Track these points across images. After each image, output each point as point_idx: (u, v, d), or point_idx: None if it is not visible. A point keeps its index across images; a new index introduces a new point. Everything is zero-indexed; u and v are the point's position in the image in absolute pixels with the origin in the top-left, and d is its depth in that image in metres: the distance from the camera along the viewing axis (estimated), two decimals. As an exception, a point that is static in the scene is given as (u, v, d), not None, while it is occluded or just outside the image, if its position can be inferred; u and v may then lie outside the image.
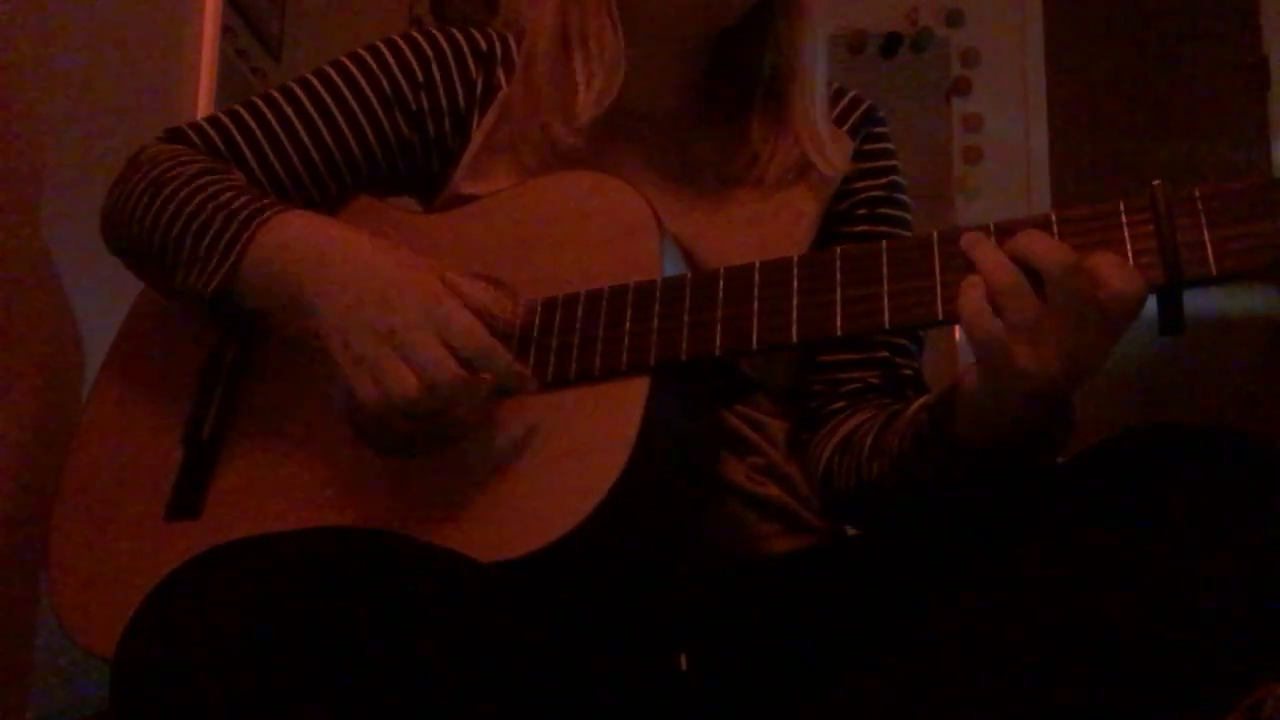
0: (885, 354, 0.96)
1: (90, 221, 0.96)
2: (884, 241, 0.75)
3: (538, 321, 0.82)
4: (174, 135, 0.97)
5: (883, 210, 1.00)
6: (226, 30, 1.67)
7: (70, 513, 0.92)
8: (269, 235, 0.83)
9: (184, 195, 0.86)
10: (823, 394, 0.97)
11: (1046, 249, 0.67)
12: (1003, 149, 3.50)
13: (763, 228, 0.94)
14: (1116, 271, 0.66)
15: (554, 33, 0.94)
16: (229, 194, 0.86)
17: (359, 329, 0.77)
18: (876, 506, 0.90)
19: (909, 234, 1.00)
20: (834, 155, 0.94)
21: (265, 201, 0.85)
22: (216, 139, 0.95)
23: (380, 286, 0.78)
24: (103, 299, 1.04)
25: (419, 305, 0.77)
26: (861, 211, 0.99)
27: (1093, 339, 0.68)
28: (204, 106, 1.56)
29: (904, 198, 1.01)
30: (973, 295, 0.69)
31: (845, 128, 0.99)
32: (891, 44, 3.55)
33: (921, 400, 0.85)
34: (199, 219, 0.85)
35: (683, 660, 0.85)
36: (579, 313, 0.81)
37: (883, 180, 1.00)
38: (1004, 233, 0.71)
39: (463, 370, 0.75)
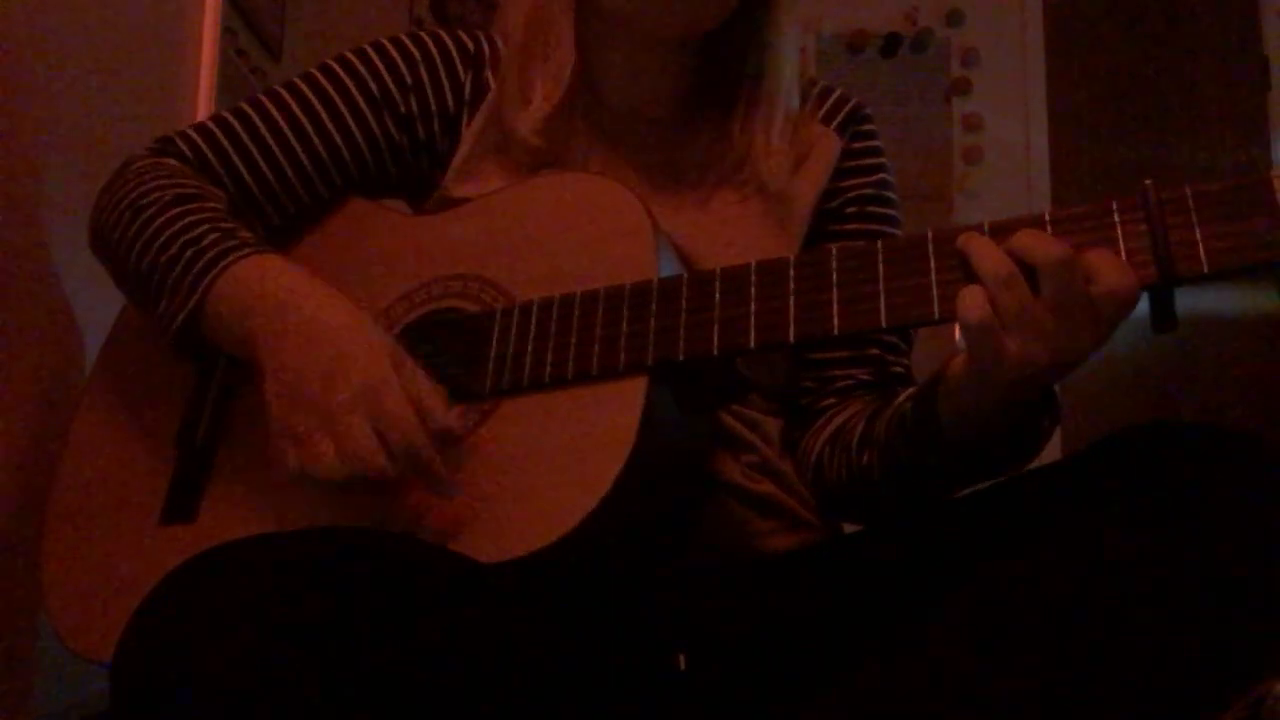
0: (876, 351, 0.97)
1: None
2: (879, 241, 0.76)
3: (534, 323, 0.82)
4: (163, 145, 0.97)
5: (871, 209, 1.00)
6: (226, 30, 1.66)
7: (63, 518, 0.91)
8: (231, 279, 0.83)
9: (157, 225, 0.87)
10: (813, 390, 0.97)
11: (1041, 244, 0.68)
12: (1003, 149, 3.49)
13: (752, 227, 0.94)
14: (1111, 267, 0.67)
15: (525, 34, 0.95)
16: (202, 228, 0.86)
17: (295, 394, 0.77)
18: (867, 498, 0.90)
19: (898, 232, 1.00)
20: (780, 168, 0.94)
21: (233, 242, 0.85)
22: (205, 148, 0.96)
23: (329, 352, 0.78)
24: (103, 299, 1.04)
25: (360, 384, 0.76)
26: (851, 210, 0.99)
27: (1083, 333, 0.68)
28: (204, 106, 1.56)
29: (893, 195, 1.02)
30: (971, 287, 0.70)
31: (833, 126, 0.99)
32: (891, 44, 3.55)
33: (909, 391, 0.86)
34: (170, 251, 0.85)
35: (682, 660, 0.85)
36: (575, 313, 0.81)
37: (872, 179, 1.00)
38: (999, 231, 0.71)
39: (385, 462, 0.75)
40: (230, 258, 0.83)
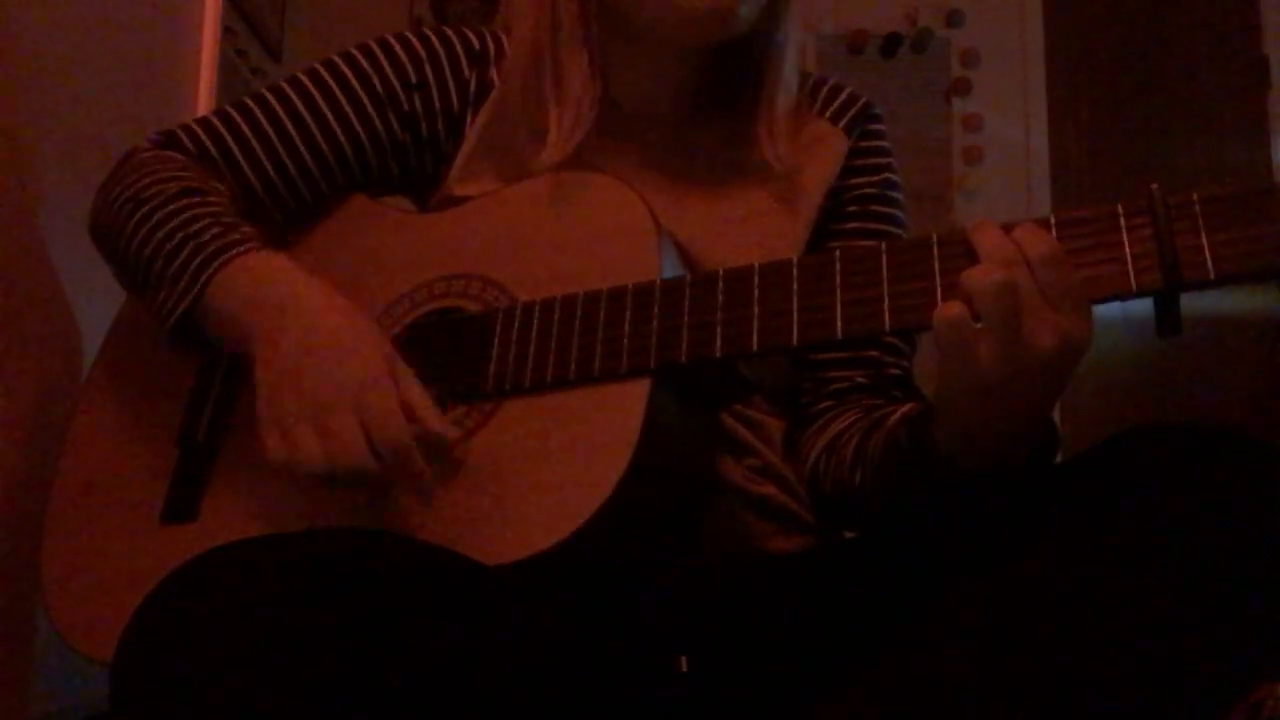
0: (874, 354, 0.96)
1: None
2: (883, 243, 0.75)
3: (535, 323, 0.82)
4: (166, 138, 0.97)
5: (875, 208, 0.99)
6: (226, 30, 1.66)
7: (64, 518, 0.91)
8: (232, 273, 0.83)
9: (159, 218, 0.87)
10: (811, 392, 0.97)
11: (975, 277, 0.68)
12: (1003, 149, 3.49)
13: (758, 227, 0.94)
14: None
15: (530, 58, 0.93)
16: (203, 221, 0.86)
17: (289, 392, 0.77)
18: (860, 513, 0.90)
19: (902, 232, 1.00)
20: (785, 150, 0.94)
21: (235, 237, 0.85)
22: (207, 141, 0.95)
23: (325, 347, 0.78)
24: (103, 299, 1.04)
25: (352, 381, 0.76)
26: (854, 209, 0.99)
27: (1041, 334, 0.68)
28: (204, 106, 1.56)
29: (898, 196, 1.01)
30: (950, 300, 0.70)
31: (841, 124, 0.99)
32: (891, 44, 3.55)
33: (903, 411, 0.85)
34: (171, 243, 0.85)
35: (683, 661, 0.85)
36: (578, 314, 0.81)
37: (877, 178, 1.00)
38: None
39: (368, 460, 0.75)
40: (231, 252, 0.83)
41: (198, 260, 0.83)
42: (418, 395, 0.78)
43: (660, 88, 0.98)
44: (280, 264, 0.85)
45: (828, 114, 1.00)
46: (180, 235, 0.85)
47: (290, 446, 0.76)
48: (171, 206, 0.87)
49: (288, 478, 0.78)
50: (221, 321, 0.83)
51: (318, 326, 0.80)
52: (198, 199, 0.88)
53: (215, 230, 0.85)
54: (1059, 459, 0.79)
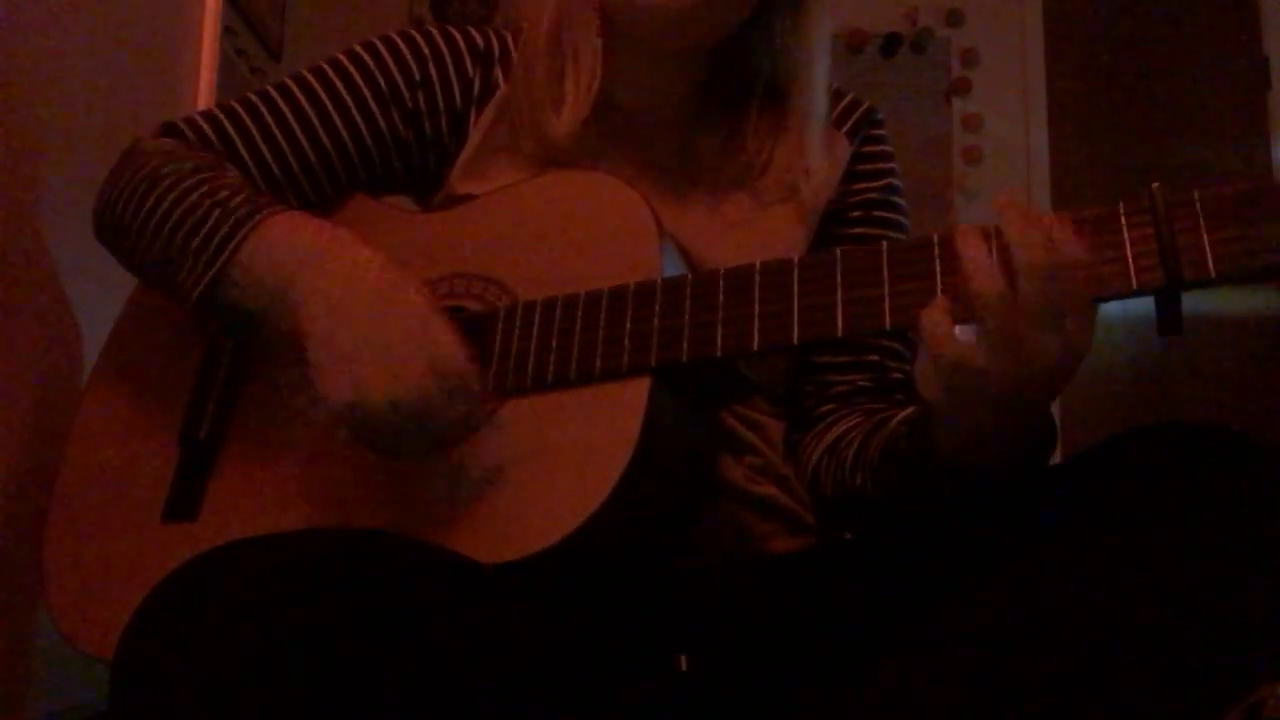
0: (875, 357, 0.96)
1: (90, 221, 0.96)
2: (884, 243, 0.75)
3: (537, 322, 0.82)
4: (168, 130, 0.96)
5: (878, 213, 0.99)
6: (226, 30, 1.66)
7: (65, 516, 0.91)
8: (263, 234, 0.82)
9: (179, 192, 0.86)
10: (812, 394, 0.97)
11: (1023, 247, 0.67)
12: (1003, 149, 3.50)
13: (759, 230, 0.94)
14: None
15: (549, 38, 0.94)
16: (225, 191, 0.85)
17: (345, 328, 0.77)
18: (860, 513, 0.90)
19: (904, 238, 1.00)
20: (820, 177, 0.94)
21: (261, 200, 0.85)
22: (211, 134, 0.95)
23: (373, 292, 0.78)
24: (102, 298, 1.04)
25: (407, 318, 0.76)
26: (857, 214, 0.99)
27: (1038, 340, 0.67)
28: (204, 106, 1.56)
29: (900, 201, 1.01)
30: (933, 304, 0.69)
31: (844, 129, 0.99)
32: (891, 44, 3.55)
33: (903, 414, 0.85)
34: (194, 216, 0.84)
35: (683, 660, 0.85)
36: (579, 313, 0.81)
37: (879, 183, 1.00)
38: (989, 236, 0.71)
39: (435, 391, 0.75)
40: (262, 213, 0.83)
41: (228, 224, 0.83)
42: (459, 337, 0.78)
43: (661, 90, 0.98)
44: (311, 220, 0.84)
45: (830, 119, 1.00)
46: (208, 204, 0.84)
47: (356, 384, 0.75)
48: (190, 181, 0.86)
49: (347, 420, 0.76)
50: (255, 283, 0.82)
51: (361, 274, 0.79)
52: (214, 173, 0.88)
53: (240, 197, 0.85)
54: (1059, 458, 0.79)
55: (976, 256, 0.68)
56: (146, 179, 0.88)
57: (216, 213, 0.84)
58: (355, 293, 0.78)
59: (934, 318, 0.69)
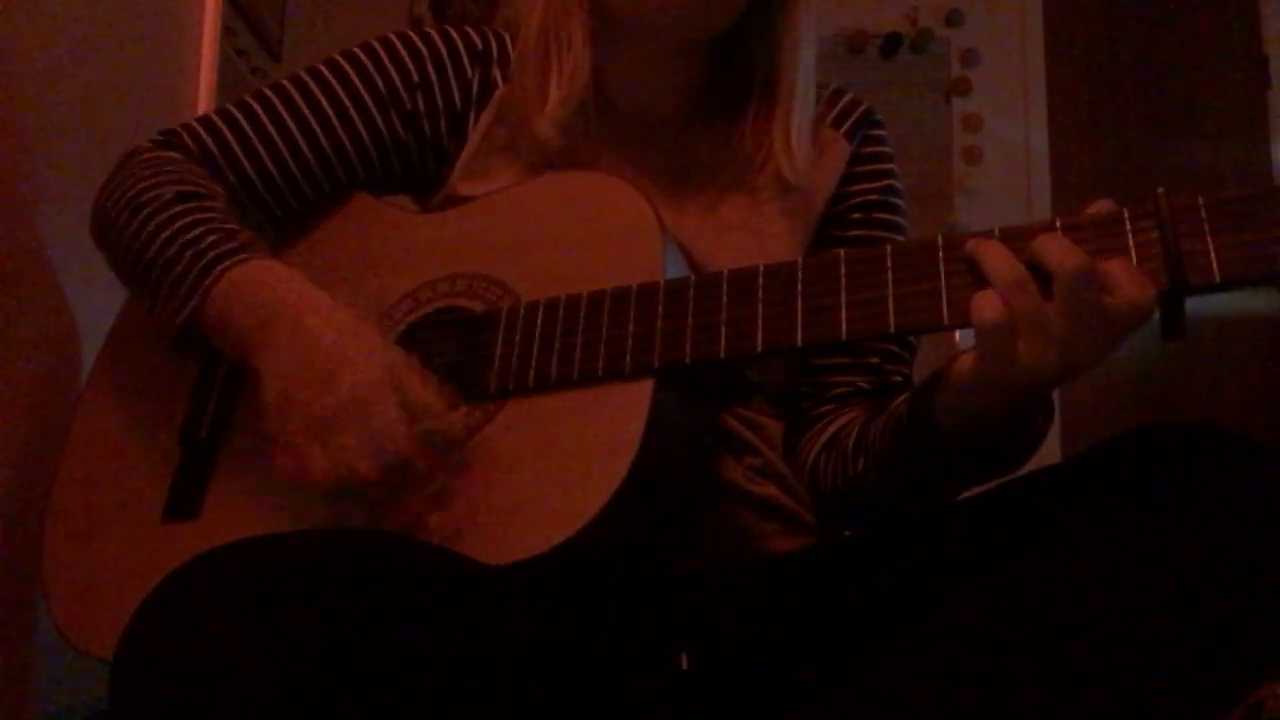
0: (875, 360, 0.97)
1: (89, 222, 0.96)
2: (888, 245, 0.75)
3: (539, 323, 0.82)
4: (168, 137, 0.97)
5: (877, 215, 0.99)
6: (226, 30, 1.66)
7: (66, 516, 0.91)
8: (228, 285, 0.83)
9: (158, 222, 0.86)
10: (811, 396, 0.97)
11: (1059, 251, 0.68)
12: (1003, 149, 3.49)
13: (758, 231, 0.94)
14: (1128, 278, 0.67)
15: (539, 38, 0.94)
16: (200, 229, 0.85)
17: (292, 410, 0.77)
18: (862, 505, 0.90)
19: (903, 239, 1.00)
20: (806, 168, 0.94)
21: (233, 245, 0.85)
22: (209, 140, 0.95)
23: (320, 366, 0.78)
24: (102, 299, 1.04)
25: (351, 393, 0.76)
26: (856, 215, 0.99)
27: (1094, 340, 0.68)
28: (204, 106, 1.56)
29: (899, 202, 1.01)
30: (986, 290, 0.69)
31: (842, 130, 0.99)
32: (891, 44, 3.55)
33: (904, 396, 0.86)
34: (168, 252, 0.85)
35: (683, 660, 0.85)
36: (581, 314, 0.81)
37: (879, 184, 1.00)
38: (1009, 237, 0.71)
39: (374, 472, 0.75)
40: (226, 262, 0.83)
41: (196, 269, 0.83)
42: (420, 396, 0.78)
43: (658, 90, 0.98)
44: (278, 273, 0.84)
45: (829, 120, 1.00)
46: (180, 242, 0.85)
47: (299, 463, 0.77)
48: (167, 213, 0.87)
49: (300, 490, 0.78)
50: (222, 332, 0.83)
51: (317, 340, 0.79)
52: (194, 204, 0.88)
53: (212, 238, 0.85)
54: (1059, 458, 0.79)
55: (989, 249, 0.70)
56: (130, 203, 0.89)
57: (189, 253, 0.84)
58: (307, 361, 0.78)
59: (987, 293, 0.69)
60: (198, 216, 0.87)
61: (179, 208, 0.87)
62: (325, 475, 0.76)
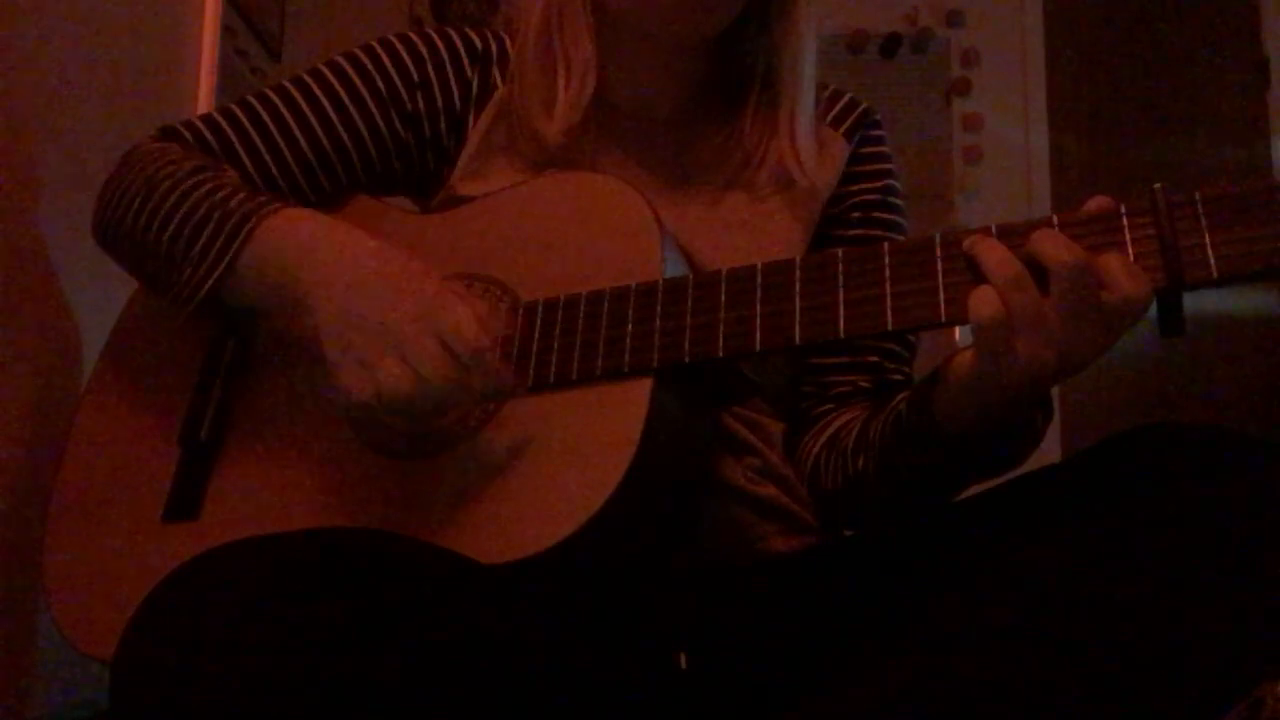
0: (875, 359, 0.97)
1: (90, 222, 0.96)
2: (885, 243, 0.75)
3: (539, 323, 0.83)
4: (167, 134, 0.97)
5: (877, 214, 1.00)
6: (226, 30, 1.66)
7: (66, 516, 0.91)
8: (266, 232, 0.83)
9: (179, 193, 0.86)
10: (812, 395, 0.97)
11: (1056, 246, 0.68)
12: (1003, 149, 3.49)
13: (758, 230, 0.94)
14: (1124, 273, 0.67)
15: (540, 39, 0.94)
16: (224, 191, 0.85)
17: (355, 322, 0.77)
18: (862, 504, 0.90)
19: (903, 238, 1.00)
20: (812, 164, 0.94)
21: (261, 199, 0.85)
22: (210, 137, 0.96)
23: (378, 281, 0.78)
24: (102, 298, 1.04)
25: (417, 301, 0.76)
26: (856, 215, 0.99)
27: (1092, 337, 0.68)
28: (204, 106, 1.56)
29: (899, 202, 1.02)
30: (984, 287, 0.69)
31: (841, 130, 0.99)
32: (891, 44, 3.55)
33: (904, 394, 0.86)
34: (195, 216, 0.85)
35: (683, 660, 0.85)
36: (580, 314, 0.81)
37: (878, 184, 1.00)
38: (1006, 234, 0.71)
39: (455, 371, 0.75)
40: (263, 211, 0.83)
41: (232, 222, 0.83)
42: (478, 303, 0.78)
43: (658, 89, 0.98)
44: (312, 214, 0.84)
45: (828, 119, 1.00)
46: (207, 204, 0.85)
47: (375, 379, 0.75)
48: (188, 183, 0.87)
49: (366, 417, 0.77)
50: (257, 278, 0.82)
51: (365, 264, 0.79)
52: (212, 174, 0.88)
53: (241, 195, 0.85)
54: (1059, 459, 0.79)
55: (987, 247, 0.70)
56: (145, 182, 0.88)
57: (217, 214, 0.84)
58: (361, 283, 0.78)
59: (985, 290, 0.69)
60: (219, 182, 0.87)
61: (197, 177, 0.87)
62: (405, 386, 0.74)
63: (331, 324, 0.78)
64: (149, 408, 0.93)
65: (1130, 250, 0.68)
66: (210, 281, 0.83)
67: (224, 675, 0.57)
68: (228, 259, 0.83)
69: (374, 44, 0.99)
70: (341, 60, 0.98)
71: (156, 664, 0.59)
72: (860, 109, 1.01)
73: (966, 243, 0.71)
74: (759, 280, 0.77)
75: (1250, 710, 1.03)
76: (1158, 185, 0.68)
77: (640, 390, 0.77)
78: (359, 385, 0.76)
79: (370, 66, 0.97)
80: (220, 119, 0.97)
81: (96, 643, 0.84)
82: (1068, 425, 2.75)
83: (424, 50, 0.98)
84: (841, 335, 0.74)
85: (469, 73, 0.99)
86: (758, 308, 0.77)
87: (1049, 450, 0.81)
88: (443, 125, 0.98)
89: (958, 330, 0.72)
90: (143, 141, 0.96)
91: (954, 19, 3.57)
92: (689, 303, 0.78)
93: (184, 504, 0.87)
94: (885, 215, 1.00)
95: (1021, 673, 0.63)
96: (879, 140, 1.02)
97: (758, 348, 0.76)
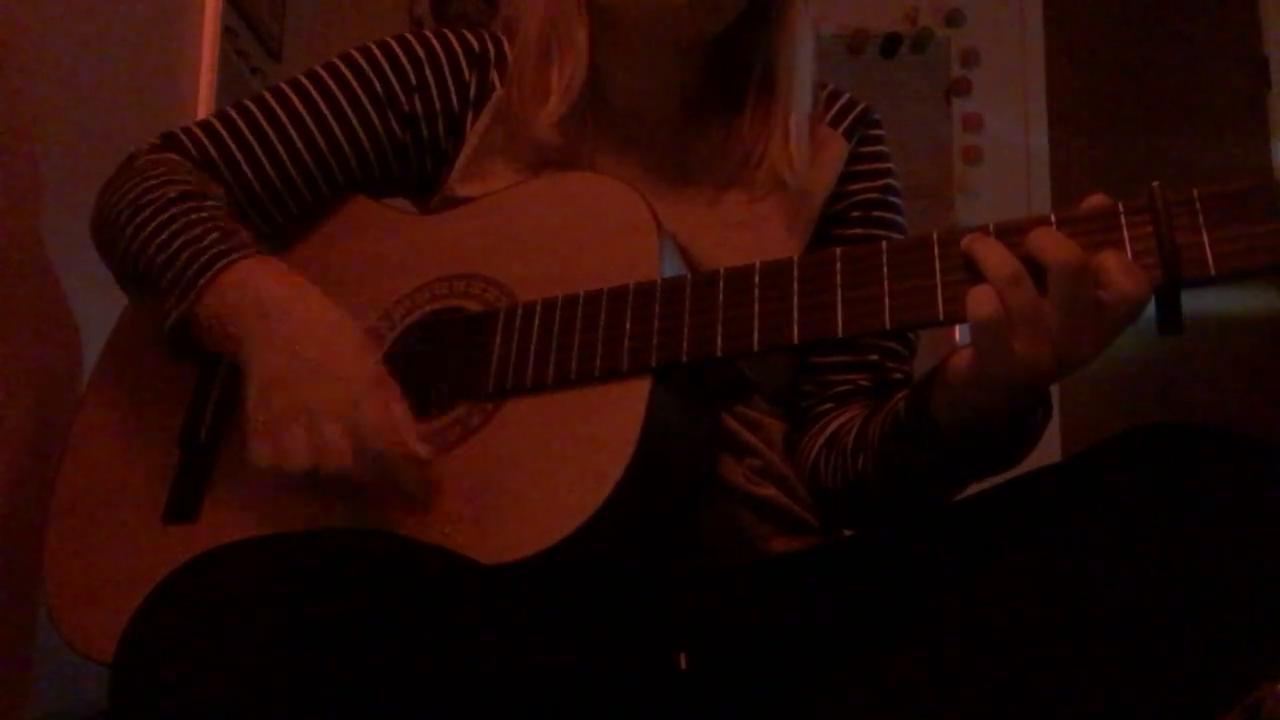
0: (875, 357, 0.97)
1: (90, 223, 0.96)
2: (883, 242, 0.75)
3: (537, 323, 0.83)
4: (168, 140, 0.97)
5: (876, 213, 1.00)
6: (226, 30, 1.66)
7: (66, 519, 0.91)
8: (225, 283, 0.83)
9: (155, 226, 0.87)
10: (812, 394, 0.97)
11: (1053, 244, 0.68)
12: (1003, 149, 3.49)
13: (757, 229, 0.94)
14: (1121, 271, 0.67)
15: (539, 38, 0.94)
16: (198, 229, 0.86)
17: (279, 395, 0.78)
18: (862, 503, 0.90)
19: (902, 238, 1.00)
20: (804, 167, 0.94)
21: (230, 244, 0.85)
22: (208, 143, 0.96)
23: (311, 361, 0.79)
24: (102, 299, 1.04)
25: (340, 387, 0.77)
26: (855, 214, 0.99)
27: (1090, 335, 0.68)
28: (204, 106, 1.56)
29: (898, 201, 1.02)
30: (982, 285, 0.69)
31: (841, 129, 0.99)
32: (891, 44, 3.55)
33: (903, 393, 0.86)
34: (165, 253, 0.85)
35: (683, 660, 0.85)
36: (578, 314, 0.81)
37: (878, 183, 1.00)
38: (1004, 233, 0.71)
39: (353, 461, 0.75)
40: (225, 260, 0.84)
41: (194, 267, 0.84)
42: (401, 411, 0.78)
43: (656, 89, 0.98)
44: (274, 270, 0.85)
45: (827, 119, 1.00)
46: (179, 241, 0.85)
47: (278, 448, 0.77)
48: (167, 214, 0.87)
49: (273, 479, 0.78)
50: (214, 327, 0.83)
51: (309, 333, 0.80)
52: (193, 204, 0.88)
53: (213, 236, 0.85)
54: (1059, 458, 0.79)
55: (984, 245, 0.70)
56: (130, 205, 0.89)
57: (187, 253, 0.85)
58: (298, 358, 0.79)
59: (982, 288, 0.69)
60: (196, 216, 0.87)
61: (178, 208, 0.87)
62: (301, 461, 0.76)
63: (258, 386, 0.79)
64: (149, 409, 0.94)
65: (1128, 248, 0.68)
66: (175, 317, 0.84)
67: (223, 676, 0.57)
68: (190, 299, 0.83)
69: (371, 46, 0.99)
70: (339, 63, 0.98)
71: (156, 665, 0.59)
72: (859, 108, 1.01)
73: (965, 241, 0.71)
74: (757, 279, 0.77)
75: (1250, 711, 1.03)
76: (1156, 183, 0.68)
77: (639, 390, 0.77)
78: (260, 449, 0.78)
79: (368, 69, 0.97)
80: (218, 125, 0.97)
81: (95, 645, 0.84)
82: (1068, 425, 2.75)
83: (422, 52, 0.98)
84: (840, 334, 0.74)
85: (467, 75, 0.99)
86: (756, 307, 0.77)
87: (1049, 450, 0.81)
88: (441, 127, 0.98)
89: (957, 329, 0.72)
90: (140, 151, 0.96)
91: (954, 19, 3.57)
92: (687, 302, 0.78)
93: (183, 505, 0.87)
94: (884, 215, 1.00)
95: (1021, 673, 0.63)
96: (878, 140, 1.02)
97: (756, 347, 0.76)
